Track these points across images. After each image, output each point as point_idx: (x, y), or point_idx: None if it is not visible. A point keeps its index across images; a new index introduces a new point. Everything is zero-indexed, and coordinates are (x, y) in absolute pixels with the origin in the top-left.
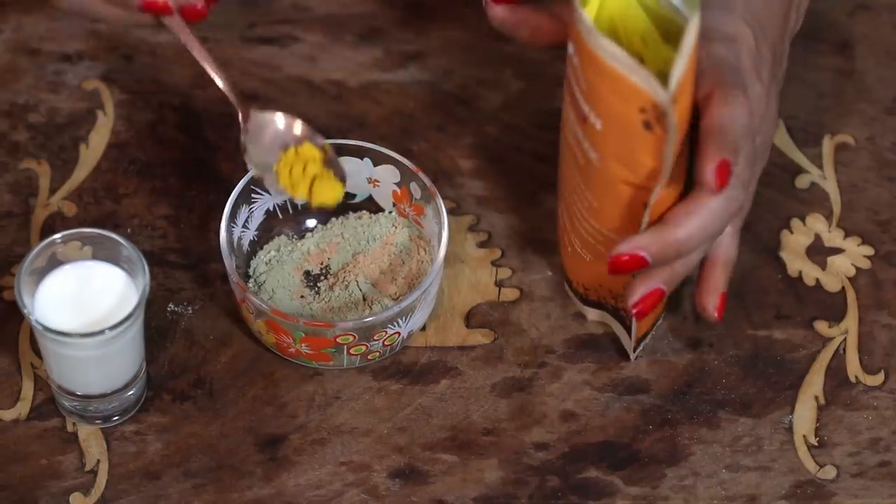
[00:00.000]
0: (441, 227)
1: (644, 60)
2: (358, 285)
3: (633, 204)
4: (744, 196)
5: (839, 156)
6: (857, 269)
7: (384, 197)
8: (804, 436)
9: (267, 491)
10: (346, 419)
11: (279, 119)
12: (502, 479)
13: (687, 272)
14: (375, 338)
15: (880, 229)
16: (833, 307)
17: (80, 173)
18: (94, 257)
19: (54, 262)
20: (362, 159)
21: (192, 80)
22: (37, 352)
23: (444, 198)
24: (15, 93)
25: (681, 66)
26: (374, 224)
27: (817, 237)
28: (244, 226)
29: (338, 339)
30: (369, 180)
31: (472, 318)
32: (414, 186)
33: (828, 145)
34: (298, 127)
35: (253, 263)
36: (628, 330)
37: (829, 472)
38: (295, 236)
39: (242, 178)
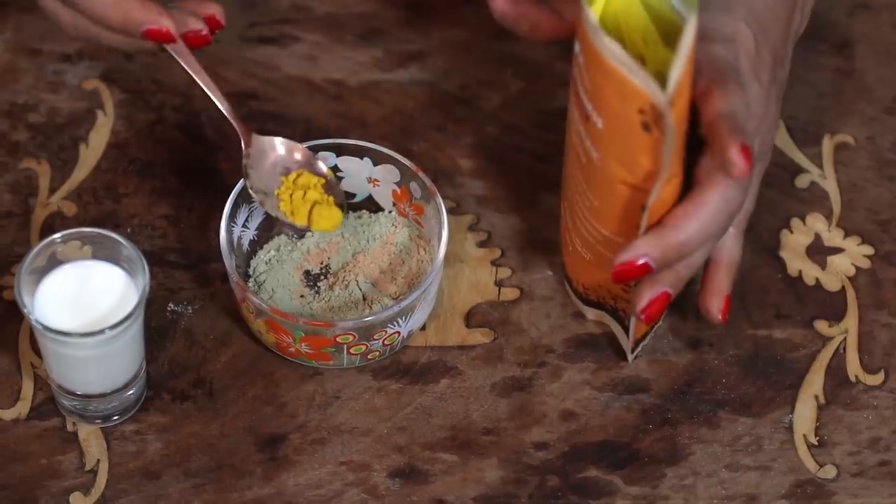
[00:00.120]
0: (441, 227)
1: (645, 61)
2: (358, 285)
3: (631, 205)
4: (742, 196)
5: (839, 155)
6: (857, 268)
7: (384, 196)
8: (804, 435)
9: (267, 491)
10: (346, 419)
11: (281, 144)
12: (502, 478)
13: (692, 274)
14: (375, 337)
15: (880, 229)
16: (833, 307)
17: (80, 173)
18: (94, 257)
19: (54, 262)
20: (362, 159)
21: (192, 80)
22: (37, 352)
23: (444, 197)
24: (15, 93)
25: (678, 68)
26: (374, 223)
27: (817, 237)
28: (244, 225)
29: (338, 339)
30: (369, 180)
31: (472, 318)
32: (414, 186)
33: (828, 145)
34: (300, 153)
35: (253, 263)
36: (626, 331)
37: (829, 472)
38: (295, 236)
39: (242, 177)
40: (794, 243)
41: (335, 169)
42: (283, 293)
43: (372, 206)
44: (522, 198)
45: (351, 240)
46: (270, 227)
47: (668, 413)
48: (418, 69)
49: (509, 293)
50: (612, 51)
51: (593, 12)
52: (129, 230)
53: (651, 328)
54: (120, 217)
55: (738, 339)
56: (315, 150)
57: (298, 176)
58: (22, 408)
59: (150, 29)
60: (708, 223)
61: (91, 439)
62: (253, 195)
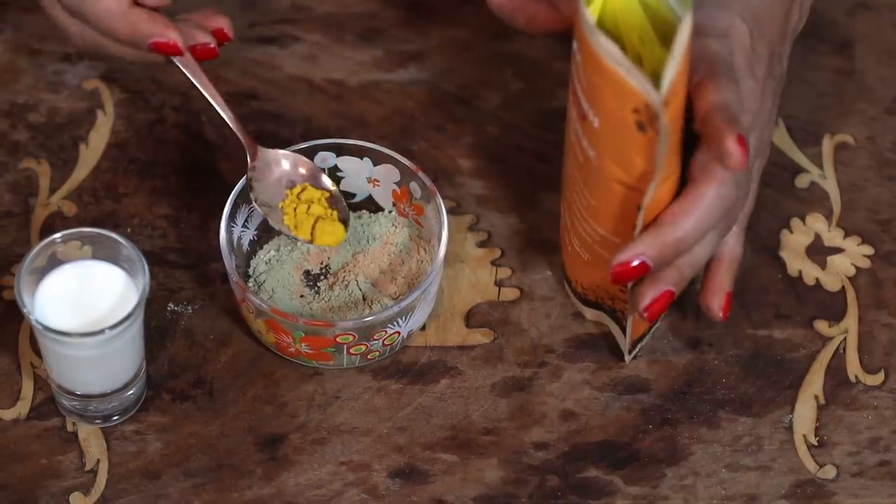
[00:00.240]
0: (441, 227)
1: (642, 60)
2: (358, 285)
3: (627, 205)
4: (735, 191)
5: (839, 155)
6: (857, 268)
7: (384, 196)
8: (804, 435)
9: (267, 491)
10: (346, 419)
11: (286, 158)
12: (502, 478)
13: (694, 272)
14: (375, 337)
15: (880, 229)
16: (833, 307)
17: (80, 173)
18: (94, 257)
19: (54, 262)
20: (362, 159)
21: (191, 80)
22: (37, 351)
23: (444, 197)
24: (15, 93)
25: (673, 68)
26: (374, 223)
27: (817, 237)
28: (244, 225)
29: (338, 339)
30: (369, 180)
31: (471, 318)
32: (414, 186)
33: (828, 145)
34: (305, 167)
35: (253, 263)
36: (624, 331)
37: (829, 472)
38: None
39: (242, 177)
40: (794, 243)
41: (335, 169)
42: (282, 293)
43: (372, 206)
44: (522, 198)
45: (351, 240)
46: (270, 227)
47: (668, 413)
48: (418, 69)
49: (509, 293)
50: (608, 50)
51: (590, 12)
52: (129, 230)
53: (649, 329)
54: (120, 217)
55: (738, 339)
56: (315, 149)
57: (303, 190)
58: (22, 408)
59: (158, 42)
60: (703, 219)
61: (91, 439)
62: (257, 208)
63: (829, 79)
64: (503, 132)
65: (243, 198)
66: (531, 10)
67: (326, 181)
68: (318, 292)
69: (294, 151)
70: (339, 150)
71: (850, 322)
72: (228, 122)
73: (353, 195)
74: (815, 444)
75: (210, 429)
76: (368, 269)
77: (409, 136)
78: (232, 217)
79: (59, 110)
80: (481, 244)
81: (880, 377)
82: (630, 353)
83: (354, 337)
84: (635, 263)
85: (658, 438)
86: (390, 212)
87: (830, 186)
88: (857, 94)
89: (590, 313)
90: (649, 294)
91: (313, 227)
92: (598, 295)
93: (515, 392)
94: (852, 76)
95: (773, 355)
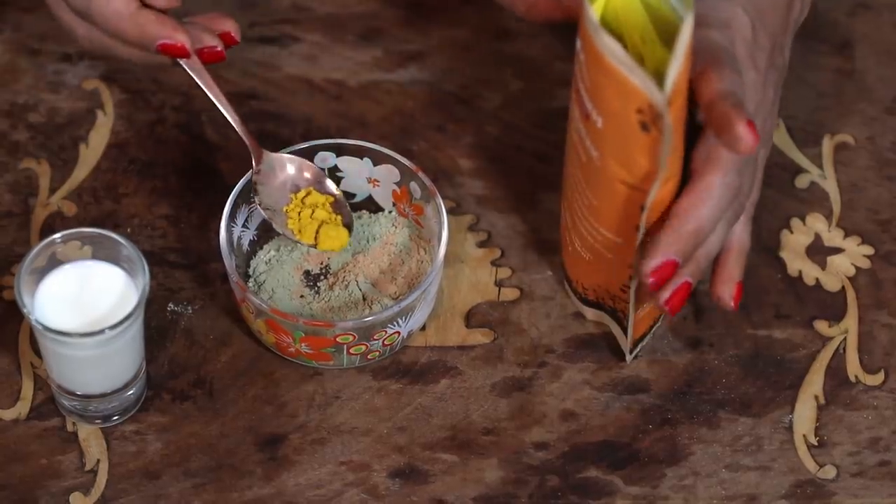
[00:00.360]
0: (441, 227)
1: (644, 59)
2: (358, 285)
3: (630, 205)
4: (739, 179)
5: (839, 155)
6: (857, 268)
7: (384, 196)
8: (804, 435)
9: (267, 491)
10: (346, 419)
11: (291, 162)
12: (502, 478)
13: (709, 262)
14: (375, 337)
15: (880, 229)
16: (833, 307)
17: (80, 173)
18: (94, 257)
19: (54, 262)
20: (362, 159)
21: (192, 80)
22: (37, 352)
23: (444, 197)
24: (15, 93)
25: (676, 68)
26: (374, 224)
27: (817, 237)
28: (244, 225)
29: (338, 339)
30: (369, 180)
31: (471, 318)
32: (414, 186)
33: (828, 145)
34: (309, 171)
35: (253, 263)
36: (625, 331)
37: (829, 472)
38: None
39: (242, 178)
40: (794, 243)
41: (335, 169)
42: (283, 293)
43: (372, 206)
44: (522, 198)
45: (351, 240)
46: (270, 228)
47: (668, 413)
48: (418, 69)
49: (509, 293)
50: (611, 50)
51: (594, 11)
52: (129, 230)
53: (650, 328)
54: (120, 217)
55: (738, 339)
56: (315, 150)
57: (307, 194)
58: (22, 408)
59: (165, 44)
60: (715, 207)
61: (91, 439)
62: (262, 212)
63: (829, 79)
64: (503, 132)
65: (243, 198)
66: None
67: (331, 185)
68: (318, 292)
69: (294, 152)
70: (339, 151)
71: (850, 322)
72: (234, 124)
73: (353, 195)
74: (815, 444)
75: (210, 429)
76: (368, 270)
77: (409, 137)
78: (232, 217)
79: (59, 110)
80: (481, 244)
81: (880, 377)
82: (631, 352)
83: (354, 337)
84: (669, 259)
85: (658, 438)
86: (390, 212)
87: (830, 186)
88: (857, 94)
89: (590, 313)
90: (669, 287)
91: (317, 232)
92: (598, 295)
93: (515, 392)
94: (852, 76)
95: (773, 355)
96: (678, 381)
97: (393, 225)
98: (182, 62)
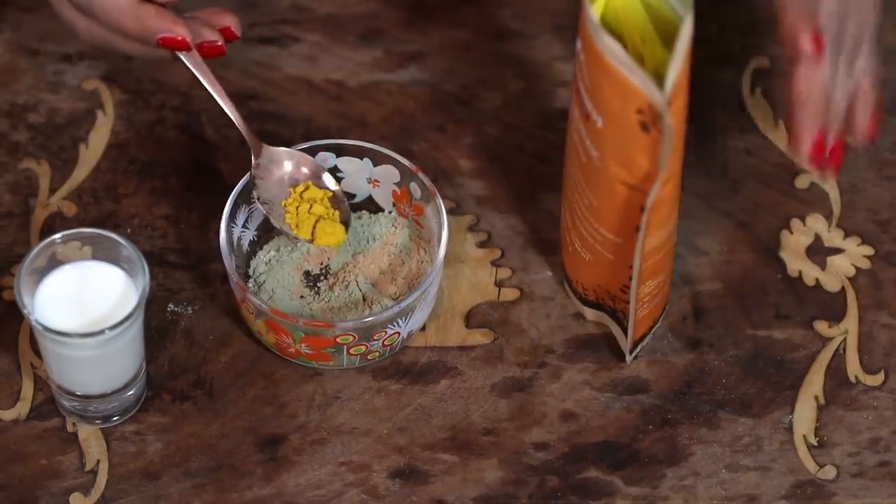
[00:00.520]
0: (441, 227)
1: (643, 60)
2: (358, 285)
3: (630, 205)
4: (833, 28)
5: None
6: (857, 269)
7: (384, 197)
8: (804, 436)
9: (267, 491)
10: (346, 419)
11: (290, 156)
12: (502, 479)
13: (846, 104)
14: (375, 338)
15: (880, 229)
16: (833, 307)
17: (80, 173)
18: (94, 257)
19: (54, 262)
20: (362, 159)
21: (192, 79)
22: (37, 352)
23: (444, 198)
24: (15, 93)
25: (676, 68)
26: (374, 224)
27: (817, 237)
28: (244, 226)
29: (338, 339)
30: (369, 180)
31: (471, 318)
32: (414, 186)
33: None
34: (308, 166)
35: (253, 263)
36: (625, 331)
37: (829, 472)
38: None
39: (242, 178)
40: (793, 244)
41: (335, 169)
42: (282, 293)
43: (372, 206)
44: (522, 198)
45: (351, 240)
46: (270, 228)
47: (668, 413)
48: (418, 69)
49: (509, 293)
50: (612, 50)
51: (594, 11)
52: (129, 230)
53: (650, 329)
54: (120, 217)
55: (737, 339)
56: (315, 150)
57: (306, 189)
58: (22, 408)
59: (166, 37)
60: (821, 66)
61: (91, 440)
62: (260, 206)
63: None
64: (503, 132)
65: (243, 198)
66: None
67: (329, 181)
68: (318, 293)
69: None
70: (340, 151)
71: (850, 322)
72: (233, 119)
73: (354, 195)
74: (815, 444)
75: (210, 429)
76: (368, 270)
77: (410, 137)
78: (232, 217)
79: (59, 110)
80: (481, 244)
81: (880, 377)
82: (631, 353)
83: (354, 337)
84: (814, 141)
85: (658, 439)
86: (390, 212)
87: (830, 187)
88: None
89: (590, 313)
90: (806, 139)
91: (314, 227)
92: (598, 295)
93: (515, 392)
94: None
95: (773, 356)
96: (678, 381)
97: (393, 225)
98: (182, 57)
